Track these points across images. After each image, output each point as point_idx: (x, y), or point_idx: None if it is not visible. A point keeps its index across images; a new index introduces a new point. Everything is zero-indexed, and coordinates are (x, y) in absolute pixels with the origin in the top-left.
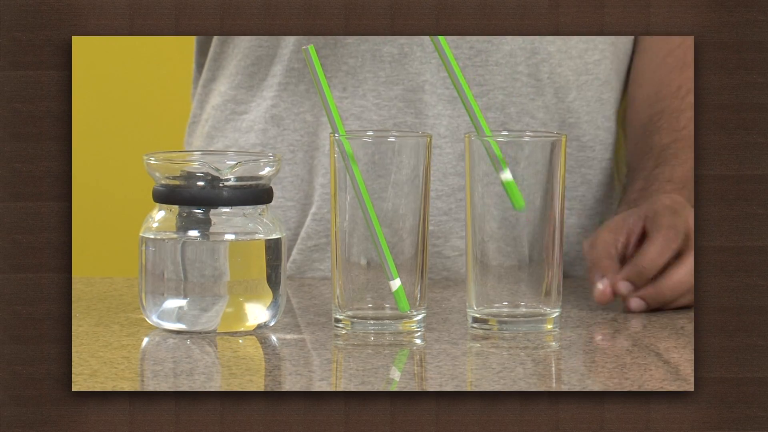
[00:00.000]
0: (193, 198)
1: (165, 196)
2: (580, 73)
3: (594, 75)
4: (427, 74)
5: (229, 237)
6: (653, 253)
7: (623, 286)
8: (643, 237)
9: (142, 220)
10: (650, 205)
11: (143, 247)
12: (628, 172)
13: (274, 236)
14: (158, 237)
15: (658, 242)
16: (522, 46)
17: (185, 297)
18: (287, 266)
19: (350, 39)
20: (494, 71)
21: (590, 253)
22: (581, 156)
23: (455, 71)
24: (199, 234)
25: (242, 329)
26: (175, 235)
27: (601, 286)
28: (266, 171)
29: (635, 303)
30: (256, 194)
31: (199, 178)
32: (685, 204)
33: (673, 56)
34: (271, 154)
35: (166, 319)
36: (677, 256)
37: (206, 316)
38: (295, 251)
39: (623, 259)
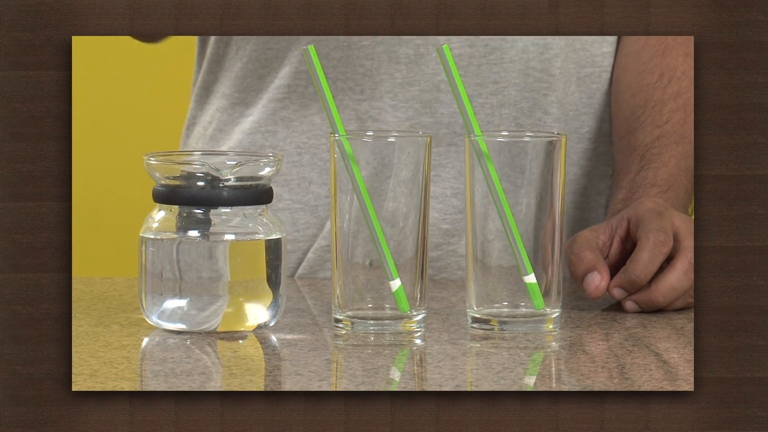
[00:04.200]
0: (193, 198)
1: (165, 196)
2: (583, 65)
3: (602, 67)
4: (442, 74)
5: (229, 237)
6: (645, 260)
7: (617, 293)
8: (627, 238)
9: (142, 220)
10: (633, 209)
11: (143, 247)
12: (613, 174)
13: (274, 236)
14: (158, 237)
15: (648, 248)
16: (535, 41)
17: (185, 297)
18: (300, 266)
19: (366, 41)
20: (509, 68)
21: (571, 247)
22: (579, 147)
23: (456, 81)
24: (199, 234)
25: (242, 329)
26: (175, 236)
27: (592, 282)
28: (266, 171)
29: (629, 304)
30: (256, 194)
31: (199, 179)
32: (668, 206)
33: (656, 38)
34: (271, 153)
35: (166, 319)
36: (669, 259)
37: (206, 316)
38: (310, 251)
39: (606, 257)
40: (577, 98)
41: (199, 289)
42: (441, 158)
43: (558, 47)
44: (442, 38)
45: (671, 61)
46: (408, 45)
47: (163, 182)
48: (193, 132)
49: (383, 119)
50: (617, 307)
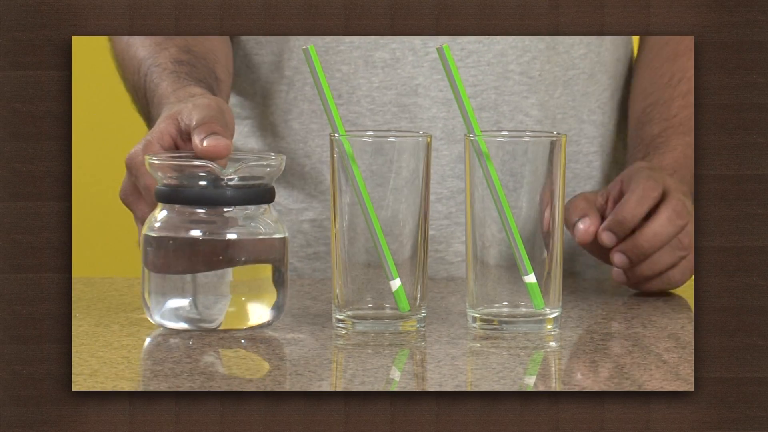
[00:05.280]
0: (195, 198)
1: (167, 195)
2: (567, 68)
3: (580, 69)
4: (420, 78)
5: (232, 236)
6: (632, 203)
7: (606, 237)
8: (620, 198)
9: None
10: (626, 170)
11: (146, 247)
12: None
13: (276, 235)
14: (161, 236)
15: (637, 193)
16: (513, 44)
17: (188, 296)
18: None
19: (342, 46)
20: (486, 71)
21: (569, 202)
22: (568, 151)
23: (456, 81)
24: (201, 234)
25: (244, 328)
26: (178, 235)
27: (582, 225)
28: (268, 170)
29: (617, 258)
30: (259, 194)
31: (202, 178)
32: (662, 170)
33: (669, 47)
34: (272, 154)
35: (168, 319)
36: (656, 209)
37: (209, 315)
38: (294, 259)
39: (602, 216)
40: (564, 101)
41: (202, 288)
42: None
43: (537, 50)
44: (416, 39)
45: (682, 64)
46: (384, 49)
47: (165, 182)
48: None
49: (361, 123)
50: (617, 307)
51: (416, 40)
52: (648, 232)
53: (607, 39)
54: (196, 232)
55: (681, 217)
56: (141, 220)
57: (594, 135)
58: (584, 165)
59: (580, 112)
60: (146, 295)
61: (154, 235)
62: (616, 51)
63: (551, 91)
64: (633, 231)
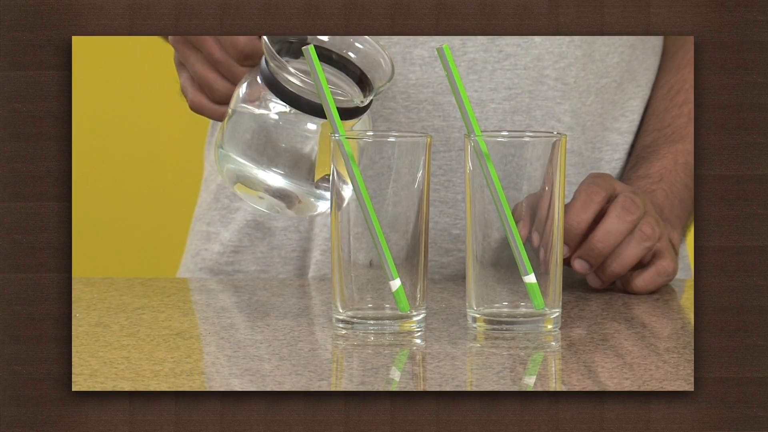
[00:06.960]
0: (312, 109)
1: (283, 93)
2: (601, 76)
3: (611, 78)
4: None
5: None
6: (576, 209)
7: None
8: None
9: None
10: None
11: (256, 118)
12: None
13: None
14: (278, 113)
15: (581, 199)
16: (550, 50)
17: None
18: (310, 267)
19: (382, 41)
20: (522, 75)
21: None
22: (592, 157)
23: (456, 81)
24: (316, 125)
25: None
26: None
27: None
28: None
29: (578, 264)
30: (364, 108)
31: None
32: (610, 176)
33: (673, 60)
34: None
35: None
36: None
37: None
38: (317, 252)
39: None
40: (594, 109)
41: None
42: (453, 163)
43: (573, 56)
44: (456, 39)
45: (683, 75)
46: (423, 47)
47: (290, 84)
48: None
49: (395, 119)
50: (617, 307)
51: (456, 40)
52: (600, 232)
53: (638, 47)
54: (313, 125)
55: (630, 212)
56: (182, 87)
57: (618, 142)
58: (608, 171)
59: (605, 120)
60: (255, 173)
61: (241, 110)
62: (645, 59)
63: (584, 99)
64: (587, 236)
